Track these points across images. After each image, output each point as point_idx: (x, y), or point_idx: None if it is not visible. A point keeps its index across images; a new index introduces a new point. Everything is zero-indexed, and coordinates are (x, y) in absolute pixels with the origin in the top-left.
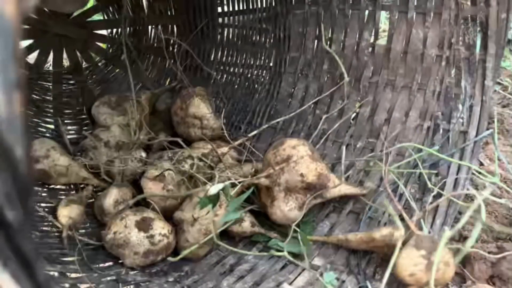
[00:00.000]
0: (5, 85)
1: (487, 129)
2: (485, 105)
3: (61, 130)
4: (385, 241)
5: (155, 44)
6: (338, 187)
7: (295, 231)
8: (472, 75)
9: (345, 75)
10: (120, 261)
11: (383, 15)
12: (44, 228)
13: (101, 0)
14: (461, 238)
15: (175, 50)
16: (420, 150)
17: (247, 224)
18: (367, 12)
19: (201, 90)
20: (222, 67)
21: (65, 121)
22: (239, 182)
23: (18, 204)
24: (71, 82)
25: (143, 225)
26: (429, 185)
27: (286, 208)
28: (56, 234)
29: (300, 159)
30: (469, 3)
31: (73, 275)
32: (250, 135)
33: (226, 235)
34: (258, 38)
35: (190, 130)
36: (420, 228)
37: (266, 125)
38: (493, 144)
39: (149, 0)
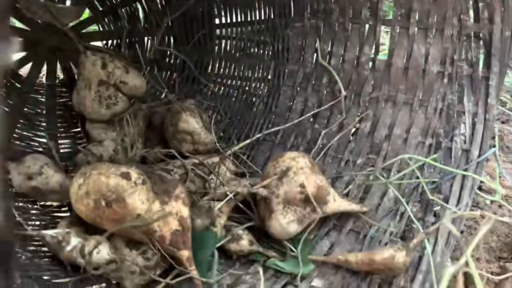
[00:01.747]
0: None
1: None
2: (488, 124)
3: (49, 144)
4: (386, 264)
5: (152, 56)
6: (338, 202)
7: (293, 250)
8: (475, 93)
9: (342, 90)
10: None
11: (384, 30)
12: (33, 248)
13: (96, 11)
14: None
15: (172, 61)
16: (421, 165)
17: (245, 243)
18: (367, 26)
19: (190, 105)
20: (219, 79)
21: (58, 135)
22: (236, 193)
23: None
24: (65, 95)
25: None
26: (430, 197)
27: (285, 221)
28: (47, 254)
29: (300, 170)
30: (472, 20)
31: None
32: (241, 144)
33: (223, 253)
34: (256, 50)
35: (183, 145)
36: (423, 249)
37: (260, 134)
38: (495, 161)
39: (146, 11)
